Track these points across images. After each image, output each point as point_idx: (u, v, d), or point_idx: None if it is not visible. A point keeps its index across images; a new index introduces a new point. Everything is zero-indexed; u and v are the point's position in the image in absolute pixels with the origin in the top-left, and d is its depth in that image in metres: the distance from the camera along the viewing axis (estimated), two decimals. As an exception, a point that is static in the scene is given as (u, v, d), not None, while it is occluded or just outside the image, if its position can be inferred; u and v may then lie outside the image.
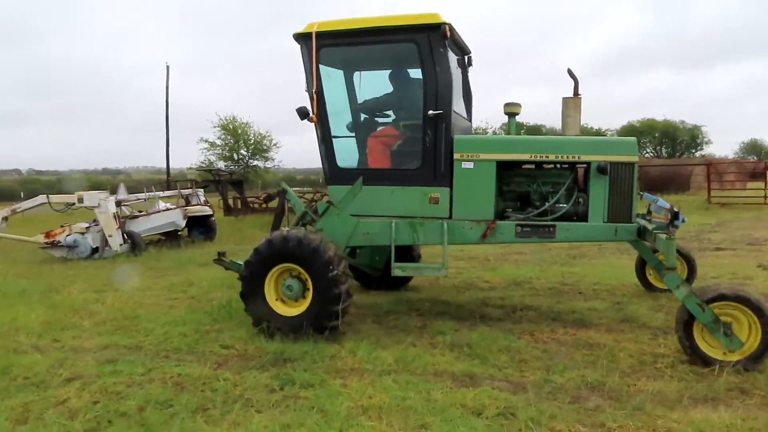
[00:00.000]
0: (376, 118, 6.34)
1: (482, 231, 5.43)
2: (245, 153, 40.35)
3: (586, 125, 65.28)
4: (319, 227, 5.76)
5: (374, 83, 6.35)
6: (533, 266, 9.03)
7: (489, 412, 3.72)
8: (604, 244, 11.28)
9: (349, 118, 6.31)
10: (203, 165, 38.25)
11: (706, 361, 4.42)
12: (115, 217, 11.73)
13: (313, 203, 6.07)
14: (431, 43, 5.34)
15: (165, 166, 30.10)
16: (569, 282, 7.82)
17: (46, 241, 11.85)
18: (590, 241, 5.58)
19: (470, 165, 5.48)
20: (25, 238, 12.10)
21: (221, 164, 38.88)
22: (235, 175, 26.61)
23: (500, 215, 5.59)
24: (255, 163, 40.98)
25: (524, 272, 8.48)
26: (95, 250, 11.80)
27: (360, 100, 6.34)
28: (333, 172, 5.82)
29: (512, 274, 8.32)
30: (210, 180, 20.35)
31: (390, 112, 6.29)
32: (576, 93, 5.84)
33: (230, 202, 19.98)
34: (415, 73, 5.81)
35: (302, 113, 5.73)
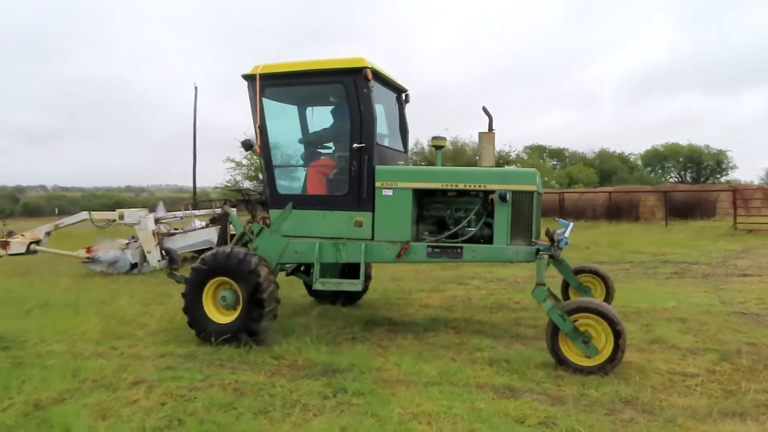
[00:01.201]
0: (316, 149, 6.94)
1: (397, 251, 5.97)
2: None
3: (607, 149, 65.38)
4: (254, 246, 6.36)
5: (321, 117, 7.02)
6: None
7: (531, 421, 4.00)
8: (631, 268, 11.50)
9: (290, 149, 6.95)
10: (229, 184, 39.02)
11: (569, 366, 5.04)
12: (153, 234, 12.21)
13: (250, 225, 6.76)
14: (356, 84, 6.02)
15: (188, 184, 30.88)
16: (598, 304, 8.03)
17: (87, 255, 12.34)
18: (494, 261, 6.24)
19: (390, 192, 6.08)
20: (66, 252, 12.60)
21: (247, 183, 39.63)
22: (264, 195, 27.12)
23: (417, 237, 6.14)
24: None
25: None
26: (134, 266, 12.27)
27: (305, 133, 6.99)
28: (273, 198, 6.49)
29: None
30: (240, 200, 20.87)
31: (330, 144, 6.89)
32: (490, 128, 6.51)
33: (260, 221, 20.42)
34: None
35: (247, 145, 6.44)
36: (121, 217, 12.35)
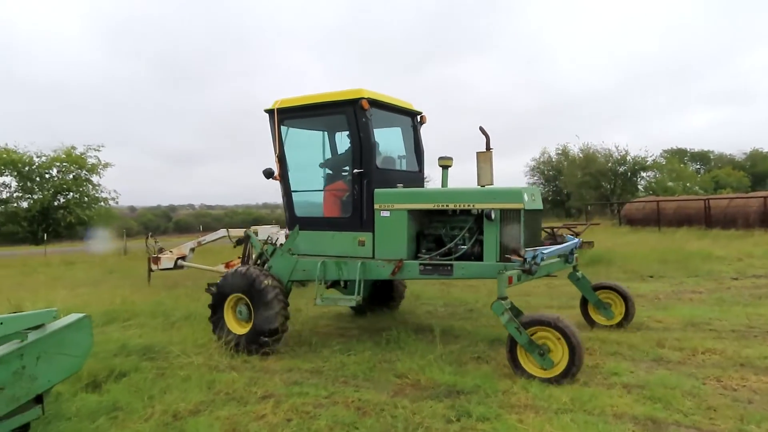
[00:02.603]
0: (327, 175, 7.49)
1: (392, 269, 6.28)
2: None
3: (761, 150, 59.12)
4: (269, 265, 6.95)
5: (332, 144, 7.75)
6: (711, 306, 8.39)
7: (680, 460, 3.56)
8: (795, 284, 10.20)
9: (305, 176, 7.46)
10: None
11: (528, 376, 5.16)
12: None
13: (266, 246, 7.27)
14: (355, 114, 6.49)
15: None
16: (757, 324, 7.16)
17: (227, 270, 13.12)
18: (484, 278, 6.04)
19: (387, 213, 6.46)
20: (209, 267, 13.48)
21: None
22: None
23: (415, 255, 6.44)
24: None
25: (701, 312, 7.90)
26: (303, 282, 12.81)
27: (322, 160, 7.61)
28: (292, 220, 7.12)
29: (688, 315, 7.78)
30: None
31: (337, 170, 7.39)
32: (488, 148, 6.79)
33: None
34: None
35: (267, 173, 7.05)
36: (255, 233, 13.02)
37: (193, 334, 7.23)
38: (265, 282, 6.47)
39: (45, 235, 34.01)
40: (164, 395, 5.03)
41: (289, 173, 7.13)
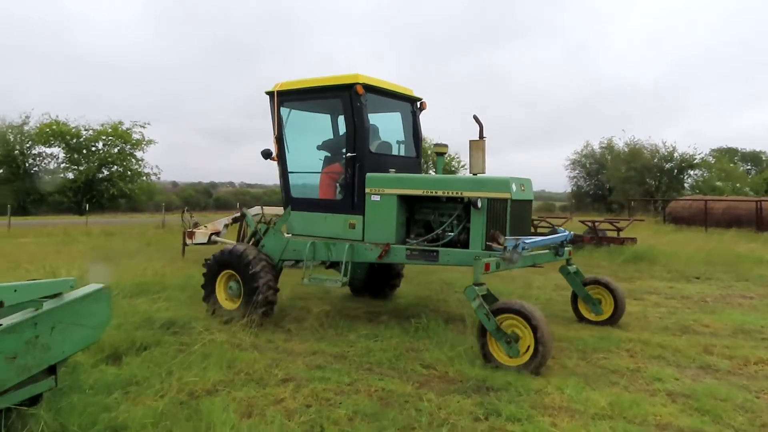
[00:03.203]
0: (322, 158, 7.56)
1: (379, 252, 6.37)
2: (433, 173, 41.16)
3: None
4: (262, 244, 7.18)
5: (329, 128, 7.81)
6: (763, 313, 7.86)
7: (731, 481, 3.21)
8: None
9: (302, 158, 7.51)
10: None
11: (495, 364, 5.12)
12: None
13: (259, 225, 7.52)
14: (351, 98, 6.56)
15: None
16: (815, 336, 6.64)
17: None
18: (468, 265, 5.88)
19: (377, 198, 6.53)
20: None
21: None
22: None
23: (403, 240, 6.50)
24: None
25: (753, 319, 7.39)
26: (298, 261, 12.70)
27: (320, 143, 7.63)
28: (287, 200, 7.30)
29: (738, 321, 7.28)
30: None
31: (332, 153, 7.49)
32: (481, 136, 6.87)
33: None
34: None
35: (265, 154, 7.21)
36: (259, 212, 12.89)
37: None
38: (252, 255, 6.77)
39: (87, 205, 34.78)
40: (183, 372, 4.89)
41: (287, 154, 7.29)
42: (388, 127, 7.46)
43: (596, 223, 16.16)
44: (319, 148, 7.60)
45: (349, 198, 6.71)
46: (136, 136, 45.32)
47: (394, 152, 7.43)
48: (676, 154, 44.14)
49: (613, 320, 6.88)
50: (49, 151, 44.53)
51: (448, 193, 6.21)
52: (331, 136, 7.73)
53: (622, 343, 6.15)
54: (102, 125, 44.44)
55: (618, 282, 10.24)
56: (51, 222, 28.44)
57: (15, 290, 3.55)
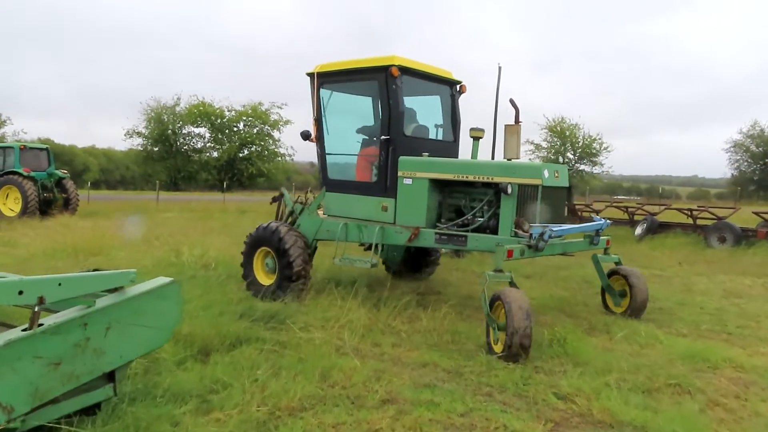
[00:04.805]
0: (359, 140, 7.52)
1: (409, 235, 6.38)
2: (572, 156, 38.62)
3: None
4: (298, 223, 7.33)
5: (368, 110, 7.66)
6: None
7: None
8: None
9: (341, 140, 7.48)
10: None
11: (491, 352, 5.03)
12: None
13: (296, 204, 7.63)
14: (387, 81, 6.52)
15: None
16: None
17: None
18: (495, 251, 5.59)
19: (409, 181, 6.55)
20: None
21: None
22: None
23: (434, 224, 6.52)
24: (582, 167, 38.91)
25: None
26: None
27: (359, 125, 7.57)
28: (325, 182, 7.37)
29: None
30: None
31: (369, 136, 7.39)
32: (517, 120, 6.93)
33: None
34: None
35: (304, 135, 7.25)
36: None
37: (324, 303, 6.42)
38: (285, 232, 6.84)
39: (224, 183, 36.55)
40: (270, 379, 4.20)
41: (325, 136, 7.28)
42: (426, 110, 7.44)
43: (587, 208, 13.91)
44: (358, 131, 7.57)
45: (383, 181, 6.75)
46: (273, 117, 47.01)
47: (431, 136, 7.39)
48: None
49: (633, 312, 6.46)
50: (196, 131, 47.52)
51: (479, 178, 6.18)
52: (370, 119, 7.62)
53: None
54: (243, 106, 46.59)
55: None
56: (195, 198, 30.12)
57: (59, 284, 2.98)
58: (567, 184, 6.24)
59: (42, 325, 2.92)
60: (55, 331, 2.94)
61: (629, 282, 6.55)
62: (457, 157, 7.38)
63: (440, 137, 7.47)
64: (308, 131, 7.25)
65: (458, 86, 7.51)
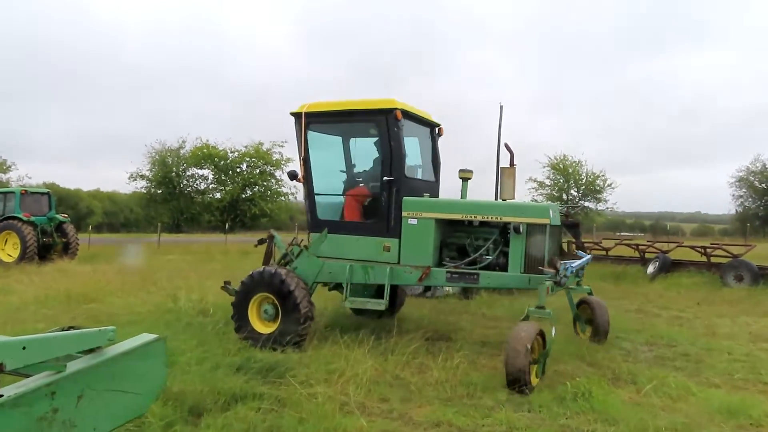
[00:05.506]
0: (352, 181, 7.61)
1: (419, 275, 6.43)
2: (575, 193, 38.38)
3: None
4: (294, 266, 6.97)
5: (357, 151, 7.76)
6: None
7: None
8: None
9: (329, 180, 7.52)
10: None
11: None
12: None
13: (291, 247, 7.25)
14: (388, 124, 6.60)
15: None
16: None
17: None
18: (508, 287, 6.20)
19: (414, 221, 6.58)
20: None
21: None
22: (571, 217, 24.98)
23: (439, 263, 6.62)
24: (585, 204, 38.63)
25: None
26: (427, 288, 11.45)
27: (345, 165, 7.69)
28: (314, 223, 7.22)
29: None
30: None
31: (364, 176, 7.52)
32: (511, 164, 7.31)
33: (563, 246, 18.41)
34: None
35: (291, 175, 7.27)
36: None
37: (330, 355, 5.98)
38: (286, 274, 6.56)
39: (227, 225, 36.27)
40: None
41: (312, 176, 7.19)
42: (409, 151, 7.31)
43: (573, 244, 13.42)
44: (353, 173, 7.68)
45: (384, 221, 6.72)
46: (275, 156, 47.00)
47: (418, 176, 7.51)
48: None
49: (594, 338, 7.00)
50: (200, 172, 47.50)
51: (487, 218, 6.37)
52: (364, 160, 7.61)
53: None
54: (245, 147, 46.65)
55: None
56: (197, 240, 29.85)
57: (24, 347, 2.61)
58: (560, 223, 6.58)
59: (1, 396, 2.54)
60: (15, 404, 2.55)
61: (593, 312, 7.13)
62: (438, 197, 7.44)
63: (423, 177, 7.57)
64: (295, 171, 7.24)
65: (437, 128, 7.78)
